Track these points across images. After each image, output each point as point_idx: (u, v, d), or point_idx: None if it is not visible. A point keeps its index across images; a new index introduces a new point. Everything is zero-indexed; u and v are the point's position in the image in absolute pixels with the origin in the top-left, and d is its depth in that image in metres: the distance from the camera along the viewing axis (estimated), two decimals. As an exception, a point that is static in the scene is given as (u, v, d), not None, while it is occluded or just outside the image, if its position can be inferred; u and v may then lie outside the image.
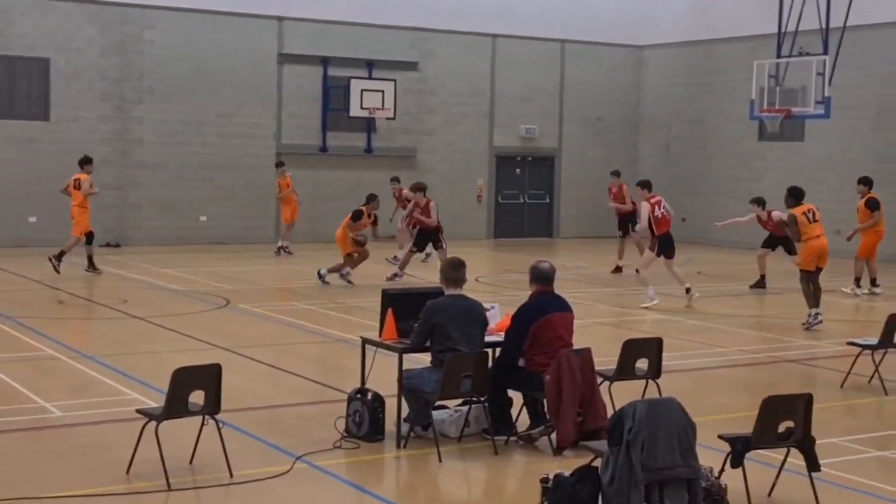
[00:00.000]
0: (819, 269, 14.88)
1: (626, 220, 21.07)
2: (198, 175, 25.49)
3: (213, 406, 7.65)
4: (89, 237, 19.32)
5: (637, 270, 17.40)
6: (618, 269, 20.98)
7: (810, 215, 14.78)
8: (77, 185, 19.17)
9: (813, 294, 14.89)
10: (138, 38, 24.83)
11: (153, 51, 24.93)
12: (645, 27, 29.96)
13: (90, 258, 19.38)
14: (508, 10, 28.30)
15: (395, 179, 23.41)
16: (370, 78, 26.74)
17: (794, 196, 14.97)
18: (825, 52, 22.02)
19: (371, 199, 18.68)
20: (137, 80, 24.90)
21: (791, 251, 19.07)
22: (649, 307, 16.55)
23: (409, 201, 21.24)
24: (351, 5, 26.51)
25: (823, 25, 22.13)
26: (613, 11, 29.63)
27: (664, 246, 16.77)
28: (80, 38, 24.33)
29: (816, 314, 14.82)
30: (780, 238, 18.98)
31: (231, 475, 7.61)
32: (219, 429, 7.68)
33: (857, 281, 18.56)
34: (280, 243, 23.87)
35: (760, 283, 19.09)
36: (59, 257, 18.72)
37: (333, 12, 26.39)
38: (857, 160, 24.77)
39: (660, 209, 16.80)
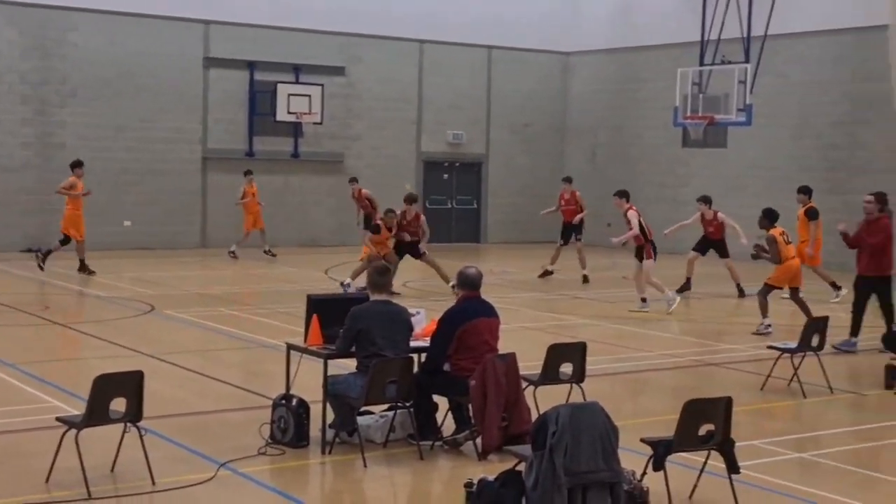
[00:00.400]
0: (796, 289, 14.88)
1: (571, 228, 21.04)
2: (122, 180, 25.12)
3: (134, 413, 7.55)
4: (64, 240, 19.95)
5: (626, 277, 17.43)
6: (546, 273, 21.05)
7: (786, 237, 14.84)
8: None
9: (804, 309, 14.78)
10: (61, 41, 24.41)
11: (76, 54, 24.53)
12: (571, 34, 30.24)
13: (47, 253, 19.91)
14: (436, 16, 28.37)
15: (354, 180, 23.40)
16: (297, 83, 26.63)
17: (770, 218, 15.07)
18: (747, 61, 22.45)
19: (388, 212, 18.68)
20: (60, 83, 24.48)
21: (724, 254, 19.43)
22: (671, 312, 16.82)
23: (368, 201, 21.45)
24: (278, 10, 26.36)
25: (745, 34, 22.56)
26: (540, 19, 29.86)
27: (654, 250, 17.07)
28: (0, 41, 23.86)
29: (768, 325, 14.97)
30: (714, 241, 19.30)
31: (153, 483, 7.52)
32: (141, 436, 7.59)
33: (833, 285, 18.75)
34: (232, 247, 23.86)
35: (686, 286, 19.35)
36: (82, 266, 19.85)
37: (260, 16, 26.22)
38: (778, 167, 25.28)
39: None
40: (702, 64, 23.45)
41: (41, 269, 19.61)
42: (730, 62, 22.72)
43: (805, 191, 18.85)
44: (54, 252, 20.03)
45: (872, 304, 13.78)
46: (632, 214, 17.12)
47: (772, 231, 14.78)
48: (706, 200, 19.32)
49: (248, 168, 24.55)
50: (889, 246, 13.46)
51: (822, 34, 24.52)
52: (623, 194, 17.80)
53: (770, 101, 24.59)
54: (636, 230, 16.97)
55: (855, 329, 13.64)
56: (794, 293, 14.96)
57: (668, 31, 27.04)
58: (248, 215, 23.90)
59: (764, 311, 15.03)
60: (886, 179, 23.07)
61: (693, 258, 19.47)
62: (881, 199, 13.84)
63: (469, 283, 8.79)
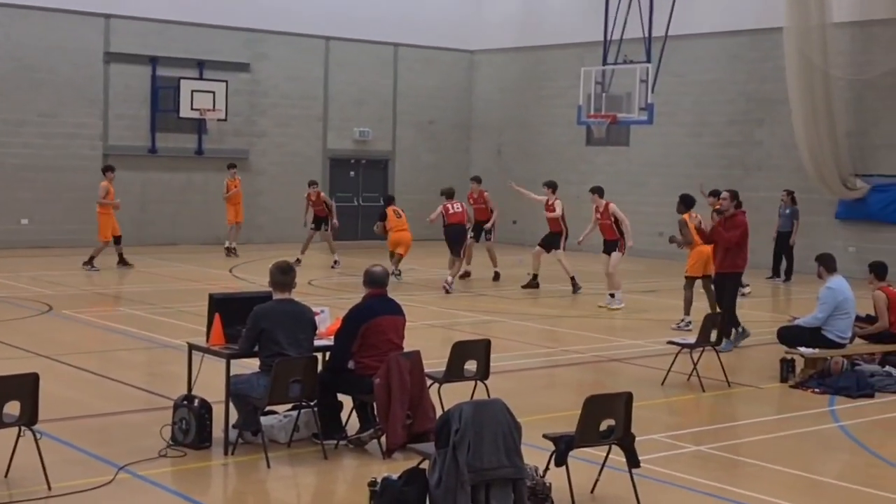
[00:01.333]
0: (709, 277, 14.94)
1: (481, 227, 21.02)
2: (19, 176, 24.47)
3: (29, 417, 7.38)
4: (117, 239, 20.82)
5: (607, 274, 17.67)
6: (465, 275, 20.91)
7: (698, 222, 14.93)
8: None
9: (711, 300, 14.92)
10: (-47, 33, 23.73)
11: (-30, 47, 23.86)
12: (476, 33, 30.41)
13: (120, 255, 20.94)
14: (341, 13, 28.25)
15: (314, 183, 23.37)
16: (201, 79, 26.25)
17: (685, 203, 15.40)
18: (648, 61, 22.80)
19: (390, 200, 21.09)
20: (-47, 76, 23.79)
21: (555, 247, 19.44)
22: (616, 308, 17.13)
23: (325, 204, 22.66)
24: (181, 4, 25.95)
25: (646, 35, 22.91)
26: (445, 17, 29.95)
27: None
28: None
29: (688, 322, 15.14)
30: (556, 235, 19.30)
31: (49, 488, 7.35)
32: (36, 440, 7.42)
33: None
34: (227, 244, 24.01)
35: (534, 283, 19.56)
36: (89, 262, 20.47)
37: (163, 11, 25.78)
38: (677, 165, 25.76)
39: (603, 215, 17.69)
40: (605, 63, 23.75)
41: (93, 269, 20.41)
42: (632, 62, 23.05)
43: (714, 194, 19.05)
44: (120, 252, 20.97)
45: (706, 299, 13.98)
46: (613, 207, 17.58)
47: (684, 216, 15.09)
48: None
49: (148, 163, 24.30)
50: (744, 243, 13.63)
51: (719, 35, 25.07)
52: (598, 190, 18.21)
53: (670, 101, 25.05)
54: (628, 225, 17.57)
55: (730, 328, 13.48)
56: (707, 281, 15.11)
57: (572, 30, 27.34)
58: (230, 208, 24.24)
59: (687, 306, 15.27)
60: (780, 176, 23.76)
61: (538, 253, 19.47)
62: (734, 195, 14.14)
63: (374, 282, 8.79)
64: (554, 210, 19.22)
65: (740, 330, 13.86)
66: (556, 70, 28.29)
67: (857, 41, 22.69)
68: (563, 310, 17.41)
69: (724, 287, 13.67)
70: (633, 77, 22.77)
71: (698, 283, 15.30)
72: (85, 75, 25.09)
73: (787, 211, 22.16)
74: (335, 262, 22.29)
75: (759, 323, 16.04)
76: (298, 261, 22.04)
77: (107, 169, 21.11)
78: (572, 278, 19.16)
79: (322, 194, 23.19)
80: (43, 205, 24.70)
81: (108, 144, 25.49)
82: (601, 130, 23.82)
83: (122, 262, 20.98)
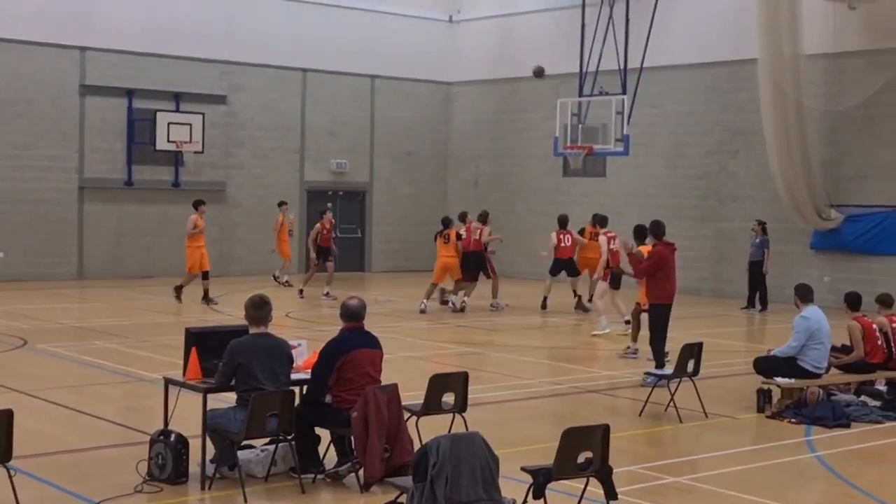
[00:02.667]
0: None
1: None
2: (-6, 209, 24.38)
3: (2, 453, 7.29)
4: (205, 274, 20.71)
5: (589, 299, 18.51)
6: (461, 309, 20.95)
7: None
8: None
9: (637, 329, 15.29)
10: (-72, 66, 23.65)
11: (-56, 79, 23.79)
12: (453, 65, 30.58)
13: (205, 291, 20.76)
14: (318, 44, 28.36)
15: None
16: (177, 111, 26.25)
17: (639, 235, 15.42)
18: (624, 92, 22.96)
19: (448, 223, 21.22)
20: (-72, 109, 23.69)
21: (575, 273, 20.54)
22: (600, 335, 17.21)
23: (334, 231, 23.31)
24: (157, 37, 25.97)
25: (622, 66, 23.09)
26: (422, 49, 30.12)
27: (615, 278, 17.57)
28: None
29: (636, 350, 15.32)
30: (566, 260, 20.49)
31: (24, 525, 7.28)
32: (10, 477, 7.34)
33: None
34: (282, 277, 24.69)
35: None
36: (178, 291, 20.80)
37: (138, 43, 25.79)
38: (653, 196, 25.90)
39: (615, 243, 17.94)
40: (581, 95, 23.91)
41: (178, 300, 20.73)
42: (607, 93, 23.21)
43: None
44: (206, 288, 20.81)
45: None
46: (602, 239, 18.08)
47: (641, 247, 15.18)
48: (603, 222, 19.90)
49: (125, 196, 24.25)
50: (662, 274, 13.42)
51: (694, 67, 25.30)
52: (601, 220, 19.34)
53: (646, 132, 25.22)
54: (605, 256, 17.96)
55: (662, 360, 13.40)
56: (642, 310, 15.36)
57: (548, 62, 27.50)
58: (283, 245, 24.89)
59: (635, 334, 15.37)
60: (755, 207, 23.93)
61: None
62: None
63: (350, 315, 8.78)
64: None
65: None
66: (533, 102, 28.45)
67: (829, 73, 22.95)
68: (541, 341, 17.42)
69: (651, 318, 13.67)
70: (609, 109, 22.93)
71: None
72: (60, 108, 25.04)
73: (758, 240, 22.27)
74: (301, 293, 22.32)
75: (735, 353, 16.12)
76: (301, 292, 22.08)
77: (198, 203, 21.06)
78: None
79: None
80: (18, 237, 24.57)
81: (84, 177, 25.41)
82: (578, 161, 23.95)
83: (206, 298, 20.70)
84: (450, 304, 20.82)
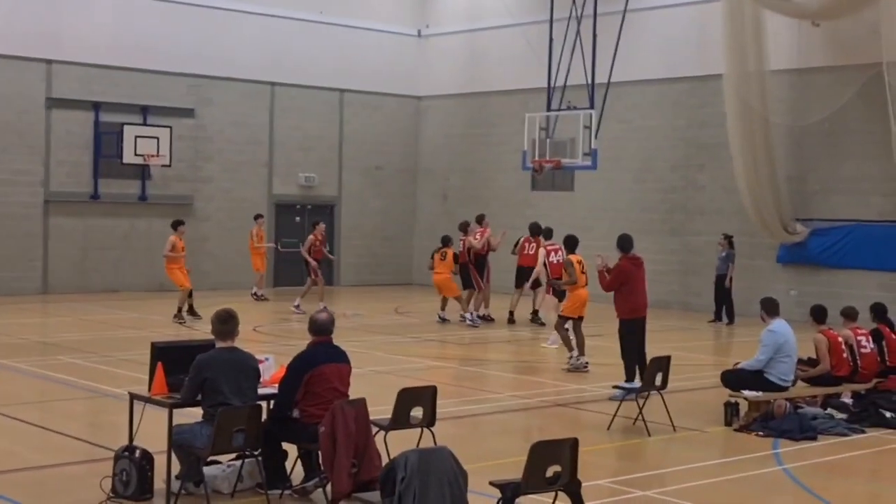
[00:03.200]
0: (580, 319, 15.62)
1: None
2: (-43, 223, 24.11)
3: (-35, 471, 7.20)
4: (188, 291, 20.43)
5: (536, 311, 19.36)
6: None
7: (582, 266, 15.58)
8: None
9: (578, 342, 15.50)
10: None
11: None
12: (422, 78, 30.61)
13: (190, 307, 20.45)
14: (287, 58, 28.30)
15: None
16: (145, 124, 26.09)
17: (569, 245, 15.84)
18: (591, 107, 23.05)
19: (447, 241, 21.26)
20: None
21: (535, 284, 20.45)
22: (548, 348, 17.45)
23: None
24: (124, 50, 25.80)
25: (589, 81, 23.19)
26: (391, 62, 30.14)
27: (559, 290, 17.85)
28: None
29: (579, 357, 15.46)
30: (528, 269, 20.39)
31: (-15, 544, 7.18)
32: (-29, 495, 7.25)
33: None
34: (255, 290, 24.65)
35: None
36: (178, 315, 20.17)
37: (105, 56, 25.61)
38: (621, 210, 26.01)
39: (555, 256, 18.25)
40: (549, 109, 23.99)
41: (181, 323, 20.00)
42: (575, 108, 23.30)
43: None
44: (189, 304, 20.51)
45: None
46: (541, 252, 18.22)
47: (570, 256, 15.47)
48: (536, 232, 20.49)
49: (91, 209, 24.04)
50: (626, 289, 13.51)
51: (660, 82, 25.46)
52: (539, 231, 19.50)
53: (613, 146, 25.33)
54: (540, 267, 18.12)
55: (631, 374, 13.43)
56: (578, 323, 15.64)
57: (516, 76, 27.62)
58: (256, 258, 24.79)
59: (568, 344, 15.59)
60: (722, 220, 24.09)
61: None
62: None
63: (319, 329, 8.73)
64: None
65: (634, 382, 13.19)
66: (502, 116, 28.52)
67: (795, 88, 23.16)
68: (509, 355, 17.42)
69: (618, 332, 13.73)
70: (577, 123, 23.01)
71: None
72: (26, 121, 24.81)
73: (724, 254, 22.40)
74: (298, 307, 22.15)
75: (703, 366, 16.19)
76: (298, 306, 21.95)
77: (178, 223, 20.90)
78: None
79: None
80: (-19, 252, 24.31)
81: (50, 191, 25.19)
82: (546, 175, 24.00)
83: (192, 311, 20.47)
84: (467, 320, 20.59)
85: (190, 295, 20.55)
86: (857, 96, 21.67)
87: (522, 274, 20.76)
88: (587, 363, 15.52)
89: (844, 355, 12.68)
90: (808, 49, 22.78)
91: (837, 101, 21.88)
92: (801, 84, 23.09)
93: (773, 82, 22.59)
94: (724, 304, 22.38)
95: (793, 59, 22.81)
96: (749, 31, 22.35)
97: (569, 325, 15.61)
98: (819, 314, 12.84)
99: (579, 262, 15.52)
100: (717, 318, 22.40)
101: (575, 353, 15.54)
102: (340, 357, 8.73)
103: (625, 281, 13.50)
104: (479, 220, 21.82)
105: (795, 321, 14.08)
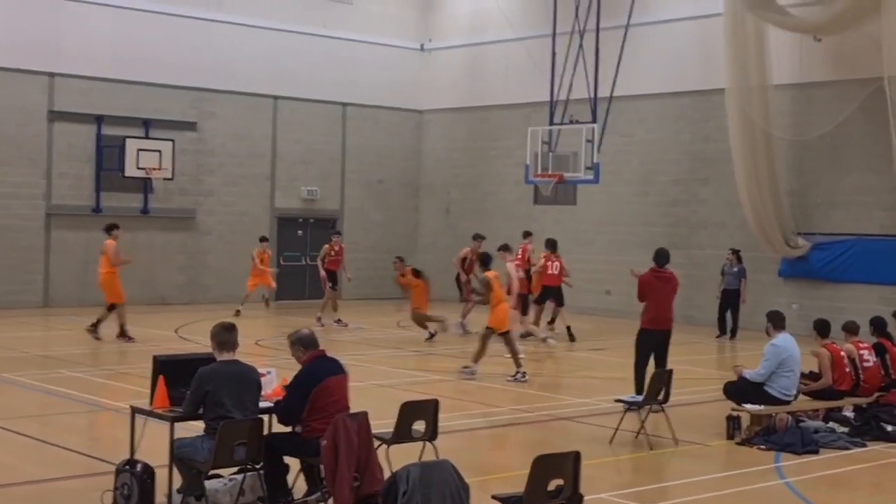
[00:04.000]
0: (507, 332, 16.00)
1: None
2: (-42, 236, 24.11)
3: (-35, 484, 7.17)
4: (112, 306, 19.02)
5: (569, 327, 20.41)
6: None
7: (500, 281, 16.09)
8: (103, 251, 19.07)
9: (513, 353, 15.96)
10: None
11: (-89, 105, 23.55)
12: (424, 92, 30.66)
13: (121, 326, 19.11)
14: (289, 72, 28.36)
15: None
16: (147, 137, 26.12)
17: (484, 262, 16.45)
18: (594, 121, 23.09)
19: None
20: None
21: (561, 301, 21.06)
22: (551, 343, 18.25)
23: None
24: (126, 63, 25.85)
25: (592, 95, 23.22)
26: (393, 76, 30.20)
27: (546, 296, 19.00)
28: None
29: (472, 371, 15.99)
30: (554, 288, 20.85)
31: (-15, 558, 7.15)
32: (-28, 508, 7.22)
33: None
34: (240, 307, 23.68)
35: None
36: (95, 326, 18.94)
37: (108, 69, 25.66)
38: (623, 223, 26.02)
39: (521, 271, 18.82)
40: (551, 123, 24.03)
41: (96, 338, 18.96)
42: (578, 122, 23.34)
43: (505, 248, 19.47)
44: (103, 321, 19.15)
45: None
46: (510, 267, 18.09)
47: (486, 273, 15.92)
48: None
49: (93, 223, 23.93)
50: (647, 299, 13.88)
51: (663, 96, 25.49)
52: (505, 248, 19.17)
53: (616, 160, 25.35)
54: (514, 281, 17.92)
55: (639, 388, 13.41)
56: (507, 336, 15.93)
57: (519, 90, 27.66)
58: (256, 279, 24.18)
59: (477, 357, 16.01)
60: (725, 234, 24.09)
61: (540, 310, 21.04)
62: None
63: (311, 343, 8.72)
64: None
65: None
66: (504, 129, 28.55)
67: (797, 102, 23.18)
68: (511, 369, 17.36)
69: (636, 341, 13.99)
70: (580, 137, 23.05)
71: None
72: (27, 134, 24.84)
73: (735, 269, 22.41)
74: (320, 320, 21.98)
75: (705, 380, 16.16)
76: (319, 318, 21.87)
77: (112, 227, 19.50)
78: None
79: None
80: (-17, 265, 24.30)
81: (51, 204, 25.20)
82: (548, 189, 24.05)
83: (123, 333, 19.16)
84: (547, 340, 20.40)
85: (111, 309, 19.15)
86: (858, 110, 21.69)
87: (547, 293, 21.00)
88: (525, 373, 15.78)
89: (847, 370, 12.66)
90: (809, 63, 22.81)
91: (839, 116, 21.90)
92: (802, 98, 23.11)
93: (775, 96, 22.62)
94: (733, 318, 22.31)
95: (795, 73, 22.84)
96: (751, 46, 22.39)
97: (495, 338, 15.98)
98: (822, 328, 12.84)
99: (496, 278, 15.92)
100: (722, 332, 22.37)
101: (476, 366, 15.98)
102: (339, 369, 8.72)
103: (647, 291, 13.85)
104: (525, 235, 22.14)
105: (797, 335, 13.99)
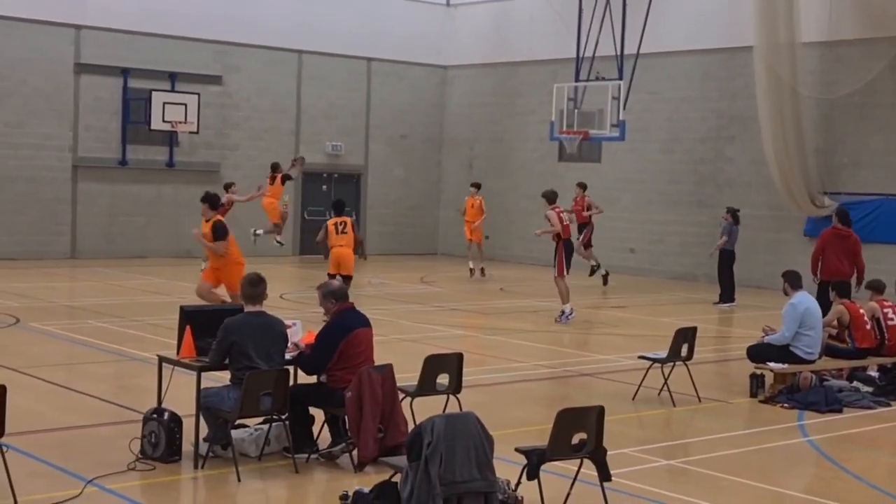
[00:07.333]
0: (348, 277, 16.39)
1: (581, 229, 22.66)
2: (-14, 187, 24.27)
3: (-4, 429, 7.27)
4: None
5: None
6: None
7: (338, 227, 16.66)
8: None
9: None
10: (-78, 43, 23.50)
11: (-62, 56, 23.64)
12: (449, 48, 30.48)
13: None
14: (314, 26, 28.24)
15: (231, 184, 23.28)
16: (173, 91, 26.13)
17: (337, 209, 17.09)
18: (620, 78, 22.90)
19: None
20: (-80, 86, 23.54)
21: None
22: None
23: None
24: (152, 16, 25.82)
25: (618, 52, 23.02)
26: (418, 32, 30.02)
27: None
28: None
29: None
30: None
31: (15, 501, 7.25)
32: (2, 453, 7.30)
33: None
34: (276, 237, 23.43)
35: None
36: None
37: (134, 22, 25.65)
38: (649, 181, 25.89)
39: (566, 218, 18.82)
40: (577, 80, 23.85)
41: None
42: (604, 79, 23.16)
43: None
44: None
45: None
46: (551, 214, 17.69)
47: (328, 221, 16.70)
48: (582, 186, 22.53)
49: (119, 175, 24.07)
50: (829, 257, 16.17)
51: (690, 53, 25.24)
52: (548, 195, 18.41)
53: (642, 117, 25.17)
54: (557, 228, 17.57)
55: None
56: (346, 280, 15.97)
57: (545, 47, 27.46)
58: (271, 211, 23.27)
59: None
60: (751, 193, 23.94)
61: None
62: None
63: (341, 295, 8.81)
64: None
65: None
66: (529, 86, 28.38)
67: (825, 60, 22.91)
68: (535, 325, 17.41)
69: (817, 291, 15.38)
70: (606, 94, 22.88)
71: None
72: (54, 86, 24.91)
73: (733, 228, 21.12)
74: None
75: (729, 339, 16.15)
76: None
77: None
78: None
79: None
80: (9, 216, 24.47)
81: (78, 156, 25.31)
82: (573, 146, 23.91)
83: None
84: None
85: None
86: (887, 69, 21.44)
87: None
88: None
89: (868, 327, 12.61)
90: (839, 21, 22.50)
91: (867, 74, 21.65)
92: (831, 56, 22.84)
93: (803, 54, 22.35)
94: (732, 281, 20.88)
95: (824, 30, 22.55)
96: (780, 3, 22.10)
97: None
98: (841, 289, 12.83)
99: (334, 225, 16.57)
100: (730, 297, 20.73)
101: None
102: (366, 321, 8.82)
103: (822, 248, 16.23)
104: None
105: (823, 294, 14.00)
